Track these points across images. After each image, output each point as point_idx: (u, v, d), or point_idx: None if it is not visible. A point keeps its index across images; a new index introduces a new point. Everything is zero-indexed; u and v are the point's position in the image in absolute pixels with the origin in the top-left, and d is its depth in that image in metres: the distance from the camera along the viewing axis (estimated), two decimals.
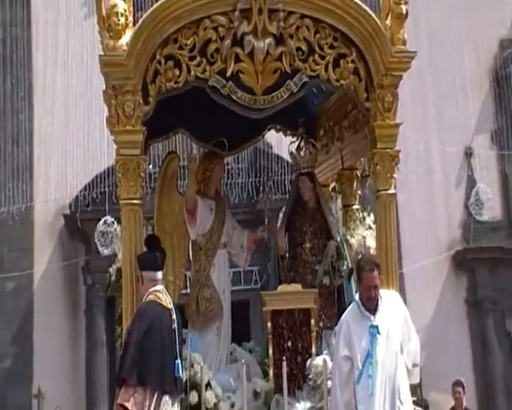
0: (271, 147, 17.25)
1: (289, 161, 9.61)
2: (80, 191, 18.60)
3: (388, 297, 6.79)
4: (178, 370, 6.49)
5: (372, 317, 6.59)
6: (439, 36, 18.21)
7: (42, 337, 18.61)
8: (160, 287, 6.74)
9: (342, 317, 6.86)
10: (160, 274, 6.81)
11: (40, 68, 19.53)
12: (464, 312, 20.11)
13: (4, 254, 18.93)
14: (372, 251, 7.88)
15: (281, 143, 11.84)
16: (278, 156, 17.37)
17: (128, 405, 6.09)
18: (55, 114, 18.91)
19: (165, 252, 7.13)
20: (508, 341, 20.01)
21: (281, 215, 8.87)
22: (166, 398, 6.32)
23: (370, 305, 6.61)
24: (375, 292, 6.59)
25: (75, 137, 18.21)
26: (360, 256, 7.58)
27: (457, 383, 15.09)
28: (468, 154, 20.48)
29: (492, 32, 20.70)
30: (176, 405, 6.44)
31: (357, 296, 6.87)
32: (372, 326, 6.53)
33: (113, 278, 8.09)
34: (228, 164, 13.08)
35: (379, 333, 6.51)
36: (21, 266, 18.73)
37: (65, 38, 18.43)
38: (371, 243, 8.04)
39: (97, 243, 17.33)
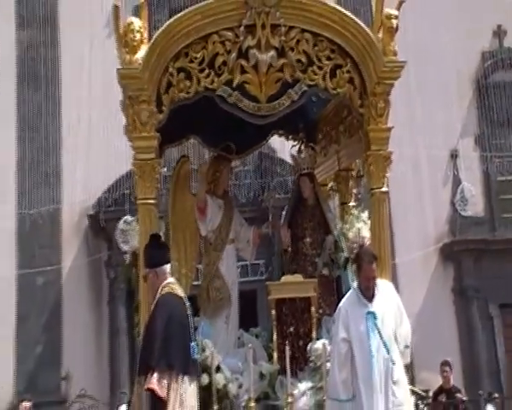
0: (275, 151, 17.21)
1: (291, 163, 9.55)
2: (103, 194, 18.83)
3: (383, 286, 6.83)
4: (195, 352, 6.46)
5: (369, 304, 6.64)
6: (427, 48, 18.10)
7: (69, 326, 18.80)
8: (171, 279, 6.63)
9: (341, 303, 6.87)
10: (169, 267, 6.68)
11: (67, 84, 19.61)
12: (451, 299, 20.14)
13: (35, 251, 19.02)
14: (366, 240, 7.79)
15: (283, 147, 11.78)
16: (281, 160, 17.32)
17: (156, 388, 5.97)
18: (80, 126, 18.93)
19: (168, 246, 7.09)
20: (490, 325, 19.95)
21: (284, 213, 8.76)
22: (186, 379, 6.22)
23: (368, 293, 6.67)
24: (373, 282, 6.66)
25: (98, 145, 18.23)
26: (360, 248, 7.47)
27: (445, 363, 15.16)
28: (454, 155, 20.52)
29: (475, 44, 20.68)
30: (193, 385, 6.31)
31: (355, 284, 6.90)
32: (369, 312, 6.58)
33: (127, 261, 8.11)
34: (235, 167, 13.03)
35: (376, 318, 6.56)
36: (50, 261, 18.90)
37: (89, 55, 18.52)
38: (366, 233, 7.93)
39: (118, 239, 16.85)
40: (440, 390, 14.58)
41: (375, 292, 6.70)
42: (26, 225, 18.89)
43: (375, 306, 6.65)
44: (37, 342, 18.69)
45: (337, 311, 6.83)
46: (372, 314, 6.58)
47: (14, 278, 18.53)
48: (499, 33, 21.07)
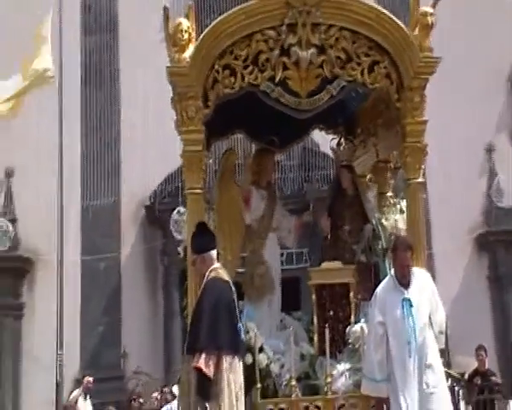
0: (318, 146, 17.03)
1: (333, 157, 9.43)
2: (158, 186, 19.06)
3: (419, 274, 6.71)
4: (241, 333, 6.47)
5: (405, 291, 6.53)
6: (464, 47, 17.80)
7: (127, 308, 19.06)
8: (218, 264, 6.59)
9: (378, 288, 6.77)
10: (215, 253, 6.64)
11: (126, 85, 19.88)
12: (486, 286, 19.93)
13: (96, 239, 19.26)
14: (403, 233, 7.60)
15: (325, 142, 11.67)
16: (324, 153, 17.07)
17: (203, 367, 5.96)
18: (138, 123, 19.07)
19: (214, 233, 6.96)
20: None
21: (324, 205, 8.63)
22: (236, 358, 6.24)
23: (404, 280, 6.56)
24: (407, 270, 6.56)
25: (153, 141, 18.39)
26: (396, 237, 7.32)
27: (480, 348, 15.07)
28: (490, 149, 20.29)
29: (510, 42, 20.21)
30: (240, 363, 6.31)
31: (392, 272, 6.78)
32: (405, 299, 6.48)
33: (182, 254, 8.04)
34: (281, 161, 12.93)
35: (411, 305, 6.46)
36: (111, 249, 19.16)
37: (145, 58, 18.55)
38: (402, 225, 7.77)
39: (172, 229, 17.45)
40: (475, 373, 14.46)
41: (411, 280, 6.59)
42: (90, 215, 19.18)
43: (411, 293, 6.54)
44: (98, 323, 18.95)
45: (374, 296, 6.73)
46: (408, 301, 6.48)
47: (78, 263, 18.73)
48: None
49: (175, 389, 13.07)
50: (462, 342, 14.16)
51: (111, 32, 20.25)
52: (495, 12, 19.47)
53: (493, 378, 15.10)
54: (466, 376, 13.32)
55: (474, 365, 14.92)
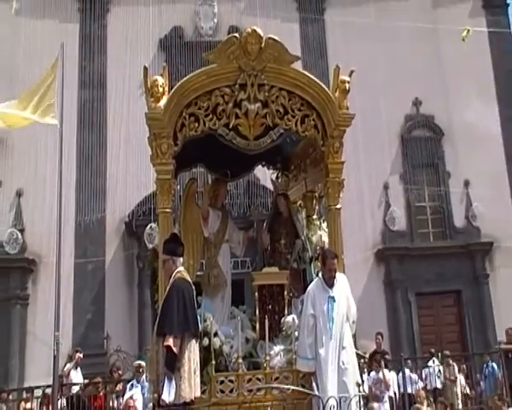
0: (259, 180, 17.07)
1: (271, 189, 9.35)
2: (135, 207, 18.88)
3: (340, 277, 6.71)
4: (198, 321, 6.41)
5: (330, 290, 6.54)
6: (368, 112, 17.83)
7: (110, 300, 18.90)
8: (181, 268, 6.50)
9: (309, 287, 6.72)
10: (181, 259, 6.58)
11: (111, 129, 19.86)
12: (382, 289, 20.27)
13: (87, 246, 19.07)
14: (326, 244, 7.52)
15: (265, 177, 11.66)
16: (263, 186, 17.31)
17: (172, 345, 5.96)
18: (120, 159, 19.02)
19: (184, 244, 6.85)
20: (409, 307, 20.04)
21: (265, 223, 8.46)
22: (193, 341, 6.19)
23: (330, 281, 6.55)
24: (334, 273, 6.56)
25: (132, 172, 18.34)
26: (325, 249, 7.24)
27: (378, 334, 15.46)
28: (386, 187, 20.64)
29: (400, 110, 21.06)
30: (197, 345, 6.26)
31: (320, 275, 6.73)
32: (330, 296, 6.50)
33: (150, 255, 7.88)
34: (230, 190, 12.78)
35: (334, 301, 6.49)
36: (97, 254, 19.02)
37: (127, 107, 18.50)
38: (325, 238, 7.67)
39: (146, 240, 17.41)
40: (374, 353, 14.61)
41: (335, 281, 6.58)
42: (82, 228, 18.94)
43: (335, 292, 6.55)
44: (87, 311, 18.72)
45: (306, 293, 6.68)
46: (332, 298, 6.50)
47: (72, 264, 18.37)
48: (416, 103, 21.37)
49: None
50: (364, 329, 14.19)
51: (101, 87, 20.09)
52: (393, 83, 19.79)
53: (386, 356, 15.31)
54: (367, 354, 13.60)
55: (373, 346, 15.18)
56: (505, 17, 22.43)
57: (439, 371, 14.83)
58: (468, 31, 18.17)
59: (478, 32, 19.68)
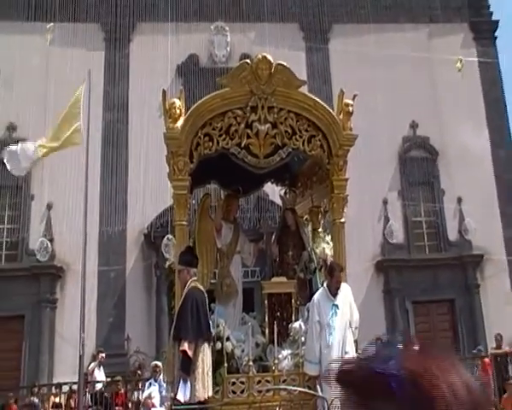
0: (268, 195, 16.94)
1: (279, 204, 9.24)
2: (153, 220, 18.83)
3: (343, 287, 6.62)
4: (211, 327, 6.39)
5: (334, 299, 6.47)
6: (369, 133, 17.77)
7: (130, 305, 18.78)
8: (195, 278, 6.48)
9: (314, 296, 6.64)
10: (195, 270, 6.55)
11: (132, 147, 19.82)
12: (381, 297, 20.05)
13: (109, 255, 19.02)
14: (329, 257, 7.40)
15: (274, 193, 11.54)
16: (272, 201, 17.10)
17: (187, 349, 5.93)
18: (140, 174, 18.99)
19: (198, 257, 6.84)
20: (406, 314, 19.84)
21: (273, 236, 8.35)
22: (206, 345, 6.15)
23: (334, 291, 6.47)
24: (340, 284, 6.51)
25: (151, 187, 18.23)
26: (323, 261, 7.20)
27: (378, 339, 14.82)
28: (385, 202, 20.51)
29: (399, 132, 20.97)
30: (209, 349, 6.22)
31: (325, 284, 6.64)
32: (334, 305, 6.43)
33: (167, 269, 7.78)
34: (241, 205, 12.69)
35: (338, 309, 6.41)
36: (119, 263, 18.97)
37: (147, 128, 18.39)
38: (329, 252, 7.55)
39: (163, 251, 17.39)
40: None
41: (339, 291, 6.51)
42: (105, 239, 18.91)
43: (338, 300, 6.47)
44: (109, 315, 18.64)
45: (311, 302, 6.59)
46: (336, 306, 6.42)
47: (96, 272, 18.30)
48: (413, 125, 21.31)
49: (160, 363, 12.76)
50: (365, 334, 14.08)
51: (123, 109, 20.09)
52: (391, 107, 19.73)
53: None
54: None
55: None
56: (493, 48, 22.45)
57: None
58: (461, 61, 18.40)
59: (469, 62, 19.99)
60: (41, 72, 19.04)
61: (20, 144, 11.25)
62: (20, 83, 18.34)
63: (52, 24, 18.07)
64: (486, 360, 15.10)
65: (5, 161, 11.22)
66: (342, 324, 6.39)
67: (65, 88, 16.46)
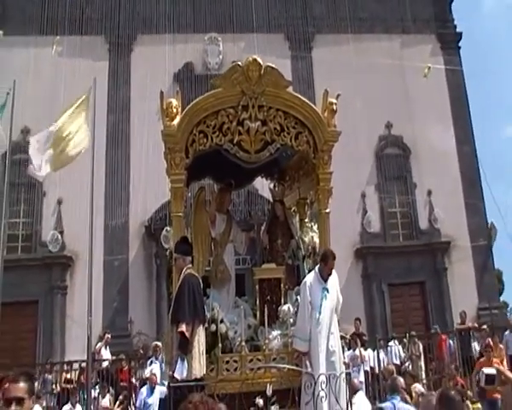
0: (258, 190, 16.70)
1: (268, 198, 8.97)
2: (154, 213, 18.68)
3: (333, 274, 6.42)
4: (205, 310, 6.20)
5: (324, 282, 6.26)
6: (349, 132, 17.59)
7: (133, 291, 18.63)
8: (190, 265, 6.27)
9: (306, 278, 6.40)
10: (190, 258, 6.33)
11: (134, 146, 19.60)
12: (360, 282, 19.93)
13: (114, 246, 18.83)
14: (317, 245, 7.18)
15: (263, 188, 11.34)
16: (261, 196, 16.89)
17: (184, 330, 5.75)
18: (142, 171, 18.80)
19: (192, 245, 6.62)
20: (382, 296, 19.78)
21: (263, 226, 8.10)
22: (201, 327, 5.97)
23: (325, 276, 6.27)
24: (331, 271, 6.32)
25: (151, 183, 17.91)
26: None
27: (356, 319, 15.60)
28: (364, 196, 20.42)
29: (375, 131, 20.95)
30: (204, 330, 6.04)
31: (316, 268, 6.39)
32: (324, 288, 6.23)
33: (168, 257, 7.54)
34: (233, 198, 12.53)
35: (328, 292, 6.22)
36: (122, 252, 18.83)
37: (147, 127, 18.19)
38: (316, 239, 7.34)
39: (162, 241, 17.37)
40: (353, 334, 14.67)
41: (329, 277, 6.31)
42: (109, 230, 18.78)
43: (328, 285, 6.27)
44: (114, 300, 18.43)
45: (303, 284, 6.33)
46: (326, 289, 6.22)
47: (101, 261, 18.12)
48: (388, 126, 21.22)
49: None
50: (345, 315, 14.03)
51: (125, 112, 19.89)
52: (368, 109, 19.63)
53: (364, 337, 15.33)
54: (348, 336, 13.52)
55: (353, 329, 15.17)
56: (458, 57, 22.58)
57: (398, 350, 15.07)
58: (429, 68, 18.65)
59: (437, 68, 20.10)
60: (52, 80, 18.79)
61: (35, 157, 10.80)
62: (33, 90, 17.99)
63: (59, 37, 18.05)
64: (443, 336, 15.77)
65: (30, 171, 10.82)
66: (330, 306, 6.19)
67: (73, 94, 16.07)
